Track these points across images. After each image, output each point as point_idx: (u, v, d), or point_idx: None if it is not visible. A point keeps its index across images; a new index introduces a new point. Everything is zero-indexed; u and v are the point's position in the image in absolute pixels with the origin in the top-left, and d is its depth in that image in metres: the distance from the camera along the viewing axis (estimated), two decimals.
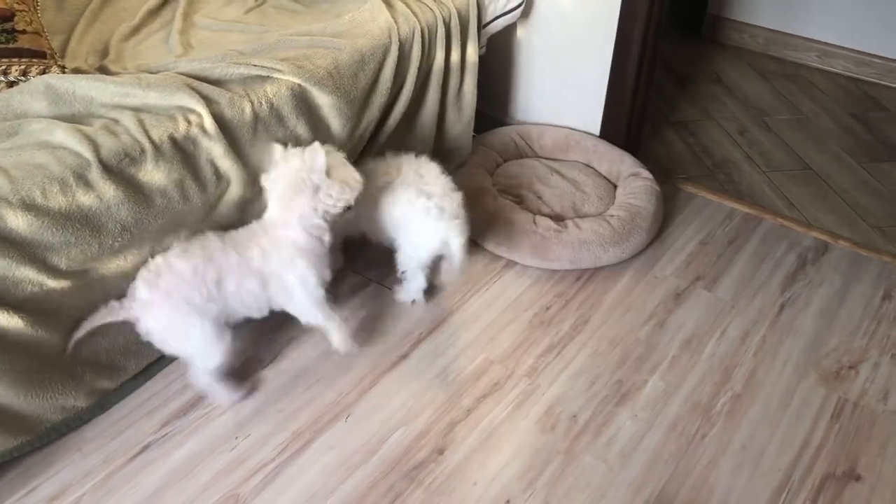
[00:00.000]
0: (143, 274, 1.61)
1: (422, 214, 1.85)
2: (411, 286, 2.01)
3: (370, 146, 2.13)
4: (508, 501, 1.59)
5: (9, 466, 1.61)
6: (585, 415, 1.78)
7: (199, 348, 1.66)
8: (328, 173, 1.66)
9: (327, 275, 1.76)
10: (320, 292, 1.74)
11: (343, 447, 1.69)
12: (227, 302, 1.65)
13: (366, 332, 1.97)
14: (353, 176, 1.72)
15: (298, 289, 1.71)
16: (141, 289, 1.60)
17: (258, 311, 1.73)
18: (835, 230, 2.40)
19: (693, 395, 1.84)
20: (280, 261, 1.68)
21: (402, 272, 1.99)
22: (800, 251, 2.31)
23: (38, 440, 1.62)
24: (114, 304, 1.61)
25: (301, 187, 1.65)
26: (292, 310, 1.77)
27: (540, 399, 1.81)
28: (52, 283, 1.49)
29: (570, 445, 1.71)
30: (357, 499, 1.58)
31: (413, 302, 2.05)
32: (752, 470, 1.67)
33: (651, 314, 2.06)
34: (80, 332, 1.58)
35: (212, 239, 1.66)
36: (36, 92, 1.59)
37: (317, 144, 1.66)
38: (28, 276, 1.44)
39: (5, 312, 1.42)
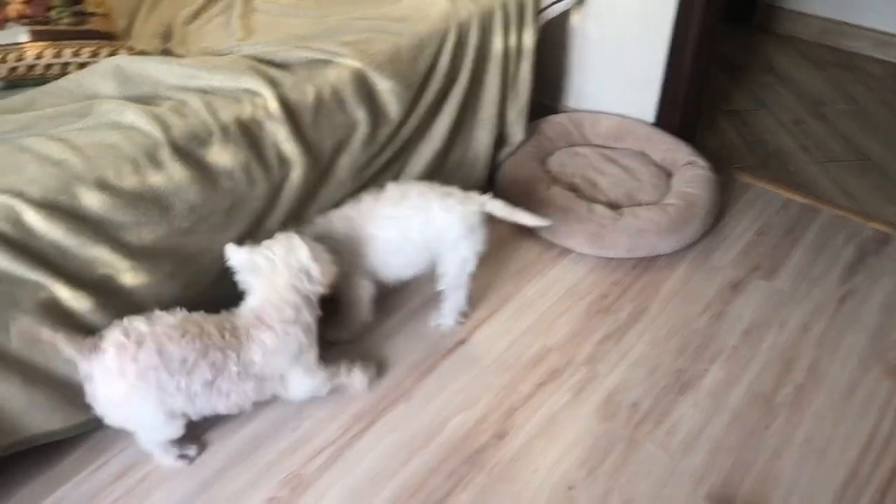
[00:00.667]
0: (118, 336, 1.38)
1: (459, 214, 1.76)
2: (455, 303, 1.92)
3: (427, 134, 2.12)
4: (571, 488, 1.58)
5: (77, 443, 1.64)
6: (646, 403, 1.77)
7: (143, 429, 1.52)
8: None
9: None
10: (322, 373, 1.65)
11: (404, 430, 1.69)
12: (209, 402, 1.49)
13: (422, 319, 1.97)
14: (328, 261, 1.61)
15: (306, 378, 1.61)
16: (111, 353, 1.36)
17: (238, 410, 1.55)
18: (895, 221, 2.35)
19: (755, 386, 1.81)
20: (287, 358, 1.54)
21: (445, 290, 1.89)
22: (859, 242, 2.27)
23: None
24: (89, 342, 1.37)
25: (290, 269, 1.54)
26: (291, 396, 1.63)
27: (599, 387, 1.80)
28: (122, 265, 1.51)
29: (632, 433, 1.70)
30: (419, 482, 1.59)
31: (460, 319, 1.95)
32: (817, 463, 1.64)
33: (709, 304, 2.04)
34: (41, 334, 1.34)
35: (211, 331, 1.45)
36: (106, 73, 1.60)
37: (292, 234, 1.58)
38: (100, 256, 1.46)
39: (75, 292, 1.44)
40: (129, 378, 1.37)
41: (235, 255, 1.54)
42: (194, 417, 1.51)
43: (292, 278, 1.53)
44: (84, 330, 1.45)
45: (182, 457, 1.61)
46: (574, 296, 2.06)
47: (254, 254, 1.53)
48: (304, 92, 1.72)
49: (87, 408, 1.57)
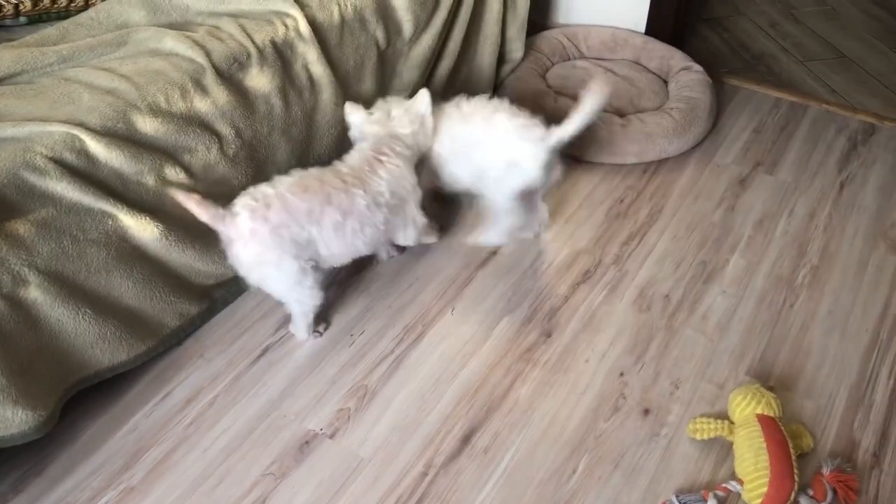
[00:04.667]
0: (247, 201, 1.49)
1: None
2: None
3: (442, 54, 2.13)
4: (622, 374, 1.68)
5: (140, 375, 1.65)
6: (677, 294, 1.86)
7: (282, 288, 1.62)
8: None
9: None
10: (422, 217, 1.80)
11: (454, 337, 1.75)
12: (344, 243, 1.61)
13: (450, 232, 2.02)
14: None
15: (418, 215, 1.76)
16: (243, 217, 1.47)
17: (373, 249, 1.74)
18: (879, 112, 2.47)
19: (774, 270, 1.92)
20: (409, 185, 1.71)
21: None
22: (849, 133, 2.39)
23: (162, 344, 1.65)
24: (221, 211, 1.46)
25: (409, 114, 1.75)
26: (405, 238, 1.80)
27: (631, 283, 1.89)
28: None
29: (669, 322, 1.79)
30: (480, 380, 1.66)
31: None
32: (841, 333, 1.77)
33: (720, 199, 2.13)
34: (184, 200, 1.43)
35: (329, 177, 1.58)
36: (134, 2, 1.58)
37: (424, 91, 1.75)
38: (157, 182, 1.46)
39: (141, 219, 1.44)
40: (262, 237, 1.48)
41: (354, 114, 1.72)
42: (334, 263, 1.66)
43: (410, 123, 1.73)
44: (149, 262, 1.46)
45: (316, 332, 1.75)
46: (592, 202, 2.13)
47: (373, 108, 1.73)
48: (331, 11, 1.72)
49: (148, 337, 1.60)
